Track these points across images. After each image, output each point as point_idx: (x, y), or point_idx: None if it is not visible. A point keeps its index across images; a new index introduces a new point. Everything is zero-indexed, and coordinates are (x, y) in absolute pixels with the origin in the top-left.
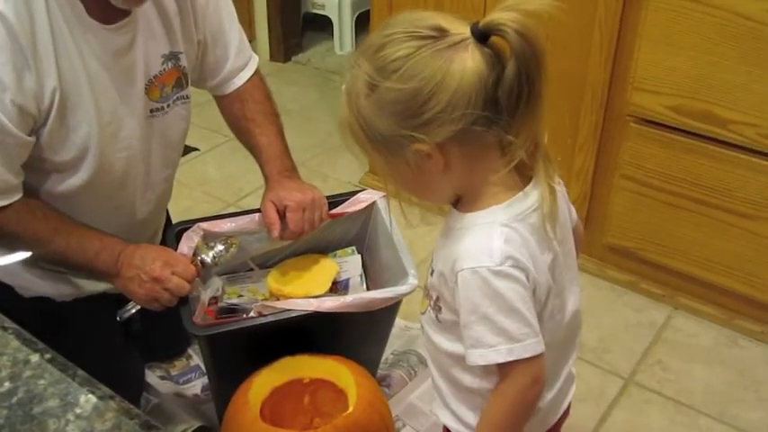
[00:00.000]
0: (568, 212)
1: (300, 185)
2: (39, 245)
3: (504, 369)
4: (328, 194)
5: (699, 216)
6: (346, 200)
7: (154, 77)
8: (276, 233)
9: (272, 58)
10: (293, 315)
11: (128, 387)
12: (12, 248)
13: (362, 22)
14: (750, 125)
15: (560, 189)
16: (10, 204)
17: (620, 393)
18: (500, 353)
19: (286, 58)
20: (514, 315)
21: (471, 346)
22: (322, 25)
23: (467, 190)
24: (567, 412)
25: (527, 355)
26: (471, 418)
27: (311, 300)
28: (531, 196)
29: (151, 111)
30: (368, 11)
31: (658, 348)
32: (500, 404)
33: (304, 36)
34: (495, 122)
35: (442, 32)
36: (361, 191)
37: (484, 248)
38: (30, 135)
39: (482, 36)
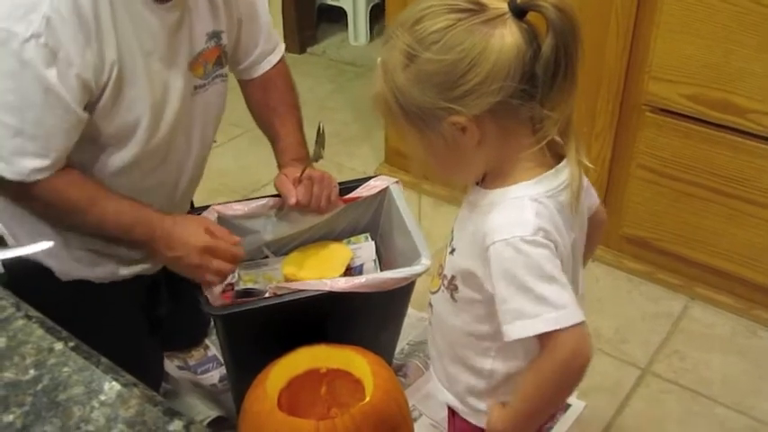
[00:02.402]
0: (586, 200)
1: (312, 169)
2: (75, 214)
3: (546, 340)
4: (341, 182)
5: (716, 206)
6: (359, 186)
7: (198, 54)
8: (293, 200)
9: (287, 49)
10: (308, 295)
11: (151, 372)
12: (47, 219)
13: (377, 13)
14: None
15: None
16: (51, 174)
17: (638, 383)
18: (545, 321)
19: (301, 50)
20: (553, 282)
21: (514, 318)
22: (336, 16)
23: (496, 166)
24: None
25: (571, 323)
26: (474, 400)
27: (325, 280)
28: (562, 174)
29: (195, 87)
30: (382, 1)
31: (675, 338)
32: (542, 378)
33: (318, 27)
34: (532, 96)
35: (480, 6)
36: (373, 177)
37: (516, 220)
38: (85, 110)
39: (519, 12)
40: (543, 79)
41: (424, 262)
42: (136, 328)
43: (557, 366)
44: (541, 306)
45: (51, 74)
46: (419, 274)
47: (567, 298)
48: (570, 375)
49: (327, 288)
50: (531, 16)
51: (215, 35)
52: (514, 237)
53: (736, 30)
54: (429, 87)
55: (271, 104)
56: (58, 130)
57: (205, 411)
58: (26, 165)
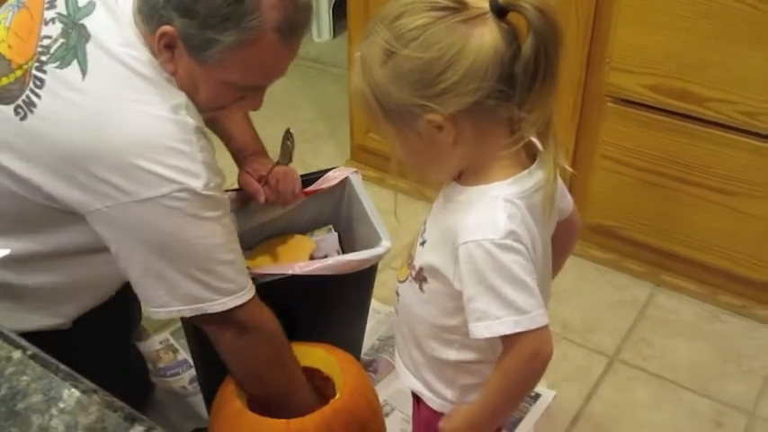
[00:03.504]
0: (560, 203)
1: (273, 161)
2: (273, 368)
3: (509, 341)
4: (302, 174)
5: (678, 194)
6: (319, 178)
7: None
8: (262, 198)
9: None
10: (272, 279)
11: (136, 381)
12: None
13: (340, 9)
14: (727, 102)
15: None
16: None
17: (606, 371)
18: (506, 324)
19: None
20: (520, 286)
21: (477, 318)
22: None
23: (473, 164)
24: None
25: (533, 327)
26: (442, 387)
27: (287, 264)
28: (536, 175)
29: None
30: None
31: (642, 326)
32: (503, 377)
33: None
34: (509, 98)
35: (461, 5)
36: (332, 168)
37: (488, 222)
38: None
39: (501, 11)
40: (522, 81)
41: (384, 243)
42: (115, 347)
43: (518, 366)
44: (506, 309)
45: (224, 194)
46: (380, 256)
47: (533, 302)
48: (530, 375)
49: (290, 272)
50: (512, 17)
51: None
52: (486, 239)
53: (694, 20)
54: (406, 84)
55: None
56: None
57: (181, 424)
58: (245, 281)
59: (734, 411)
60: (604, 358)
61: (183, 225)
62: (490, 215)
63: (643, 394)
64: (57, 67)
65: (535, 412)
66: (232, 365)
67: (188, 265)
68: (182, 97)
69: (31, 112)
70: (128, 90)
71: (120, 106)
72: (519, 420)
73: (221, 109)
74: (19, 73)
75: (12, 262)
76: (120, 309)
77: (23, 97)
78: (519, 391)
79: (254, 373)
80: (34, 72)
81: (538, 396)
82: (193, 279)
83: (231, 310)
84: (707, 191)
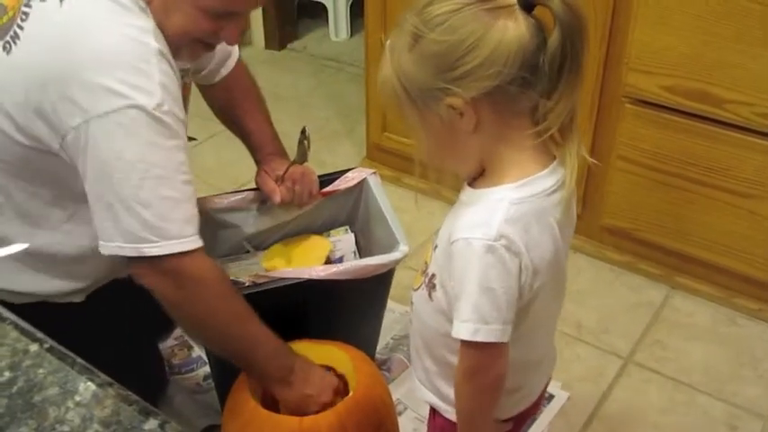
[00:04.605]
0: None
1: (290, 161)
2: (220, 322)
3: (463, 347)
4: (320, 174)
5: (695, 196)
6: (336, 178)
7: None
8: (278, 198)
9: (268, 45)
10: (288, 283)
11: (151, 373)
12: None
13: (358, 8)
14: (745, 104)
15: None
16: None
17: (620, 373)
18: (467, 330)
19: (281, 46)
20: (490, 294)
21: (454, 317)
22: (317, 12)
23: (491, 159)
24: (541, 397)
25: (491, 340)
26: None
27: (304, 269)
28: (554, 175)
29: None
30: None
31: (657, 328)
32: (456, 391)
33: (299, 23)
34: (531, 85)
35: None
36: (351, 169)
37: (482, 222)
38: None
39: (528, 5)
40: (548, 73)
41: (402, 248)
42: (120, 332)
43: (465, 375)
44: (473, 314)
45: (181, 131)
46: (397, 261)
47: (496, 316)
48: (478, 388)
49: (307, 276)
50: (539, 11)
51: (185, 73)
52: (475, 237)
53: (713, 21)
54: (429, 67)
55: (235, 102)
56: (191, 185)
57: (195, 420)
58: (190, 230)
59: (749, 415)
60: (619, 360)
61: (127, 145)
62: (487, 216)
63: (657, 397)
64: (40, 0)
65: (549, 413)
66: (179, 322)
67: (128, 192)
68: (150, 23)
69: (15, 44)
70: (100, 13)
71: (89, 27)
72: (533, 421)
73: (199, 44)
74: (11, 13)
75: (28, 215)
76: (150, 309)
77: (11, 32)
78: (472, 399)
79: (202, 328)
80: (23, 8)
81: (552, 397)
82: (132, 212)
83: (169, 257)
84: (723, 193)
